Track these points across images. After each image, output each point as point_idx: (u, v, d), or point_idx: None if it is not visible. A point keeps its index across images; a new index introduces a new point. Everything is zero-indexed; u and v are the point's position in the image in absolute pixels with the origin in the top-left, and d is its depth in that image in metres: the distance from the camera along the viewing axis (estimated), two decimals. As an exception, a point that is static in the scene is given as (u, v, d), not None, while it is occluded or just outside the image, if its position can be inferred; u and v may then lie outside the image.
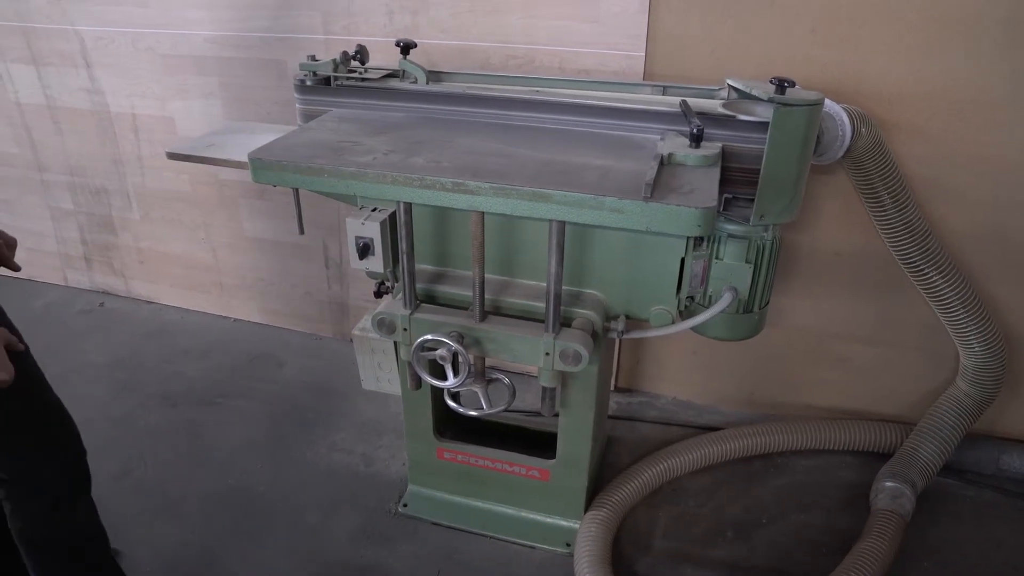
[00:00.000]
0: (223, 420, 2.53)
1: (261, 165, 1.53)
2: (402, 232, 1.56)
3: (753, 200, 1.58)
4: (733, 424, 2.44)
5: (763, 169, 1.54)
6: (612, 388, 2.61)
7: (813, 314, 2.34)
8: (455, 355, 1.63)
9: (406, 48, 1.88)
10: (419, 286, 1.71)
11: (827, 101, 1.75)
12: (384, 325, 1.69)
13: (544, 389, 1.71)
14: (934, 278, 2.03)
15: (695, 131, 1.50)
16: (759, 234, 1.65)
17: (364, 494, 2.20)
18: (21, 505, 1.50)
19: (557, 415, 1.87)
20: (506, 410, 1.78)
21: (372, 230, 1.64)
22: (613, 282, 1.67)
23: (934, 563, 1.97)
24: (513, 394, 1.78)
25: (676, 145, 1.53)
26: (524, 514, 2.07)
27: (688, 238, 1.57)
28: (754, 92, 1.62)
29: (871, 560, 1.81)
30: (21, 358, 1.39)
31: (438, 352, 1.64)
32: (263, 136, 1.80)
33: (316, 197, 1.94)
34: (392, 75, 1.96)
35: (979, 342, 2.09)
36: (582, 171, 1.45)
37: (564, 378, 1.79)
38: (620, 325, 1.68)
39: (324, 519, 2.11)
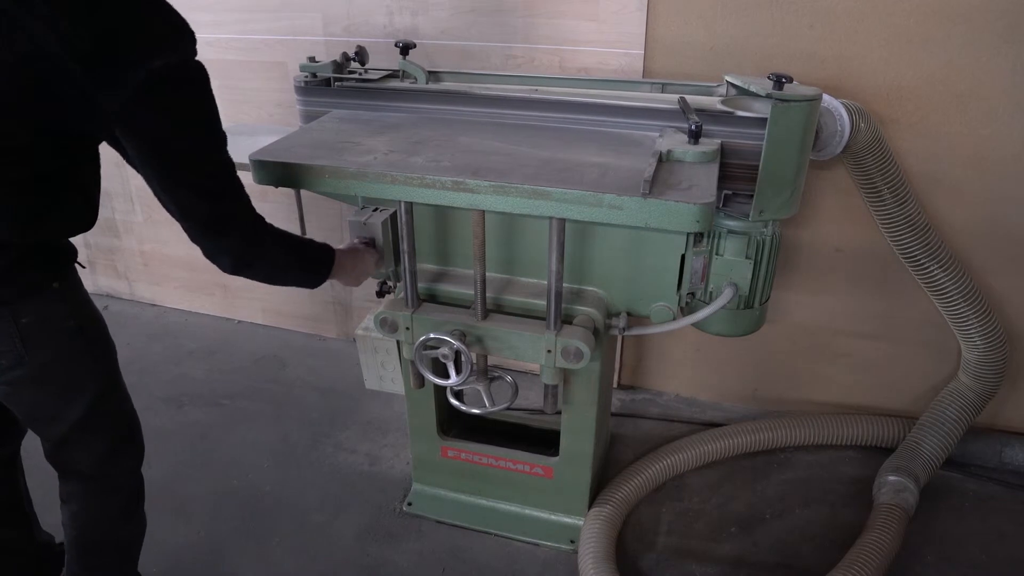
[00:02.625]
0: (228, 421, 2.54)
1: (262, 166, 1.54)
2: (403, 231, 1.57)
3: (752, 196, 1.59)
4: (736, 420, 2.44)
5: (762, 165, 1.54)
6: (615, 385, 2.62)
7: (814, 309, 2.34)
8: (457, 353, 1.64)
9: (406, 48, 1.89)
10: (421, 285, 1.72)
11: (825, 96, 1.76)
12: (386, 324, 1.70)
13: (546, 387, 1.72)
14: (935, 272, 2.03)
15: (693, 128, 1.50)
16: (759, 230, 1.66)
17: (369, 493, 2.20)
18: (92, 504, 1.54)
19: (560, 412, 1.88)
20: (509, 408, 1.79)
21: (374, 230, 1.65)
22: (614, 279, 1.68)
23: (937, 556, 1.97)
24: (516, 392, 1.79)
25: (675, 142, 1.54)
26: (528, 512, 2.07)
27: (688, 234, 1.57)
28: (752, 88, 1.62)
29: (875, 554, 1.81)
30: (107, 358, 1.45)
31: (440, 351, 1.65)
32: (264, 138, 1.81)
33: (318, 198, 1.95)
34: (392, 75, 1.97)
35: (980, 335, 2.10)
36: (582, 168, 1.46)
37: (566, 375, 1.80)
38: (621, 322, 1.68)
39: (330, 518, 2.12)
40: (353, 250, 1.61)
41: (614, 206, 1.34)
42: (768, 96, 1.50)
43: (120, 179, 2.98)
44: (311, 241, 1.52)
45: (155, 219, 3.02)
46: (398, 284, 1.80)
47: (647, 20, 2.05)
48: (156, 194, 1.26)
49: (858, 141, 1.84)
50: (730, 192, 1.65)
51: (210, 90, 1.22)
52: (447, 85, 1.92)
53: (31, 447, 1.51)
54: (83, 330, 1.37)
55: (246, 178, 1.58)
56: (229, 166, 1.30)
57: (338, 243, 2.76)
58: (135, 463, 1.59)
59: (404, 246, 1.59)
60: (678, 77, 1.98)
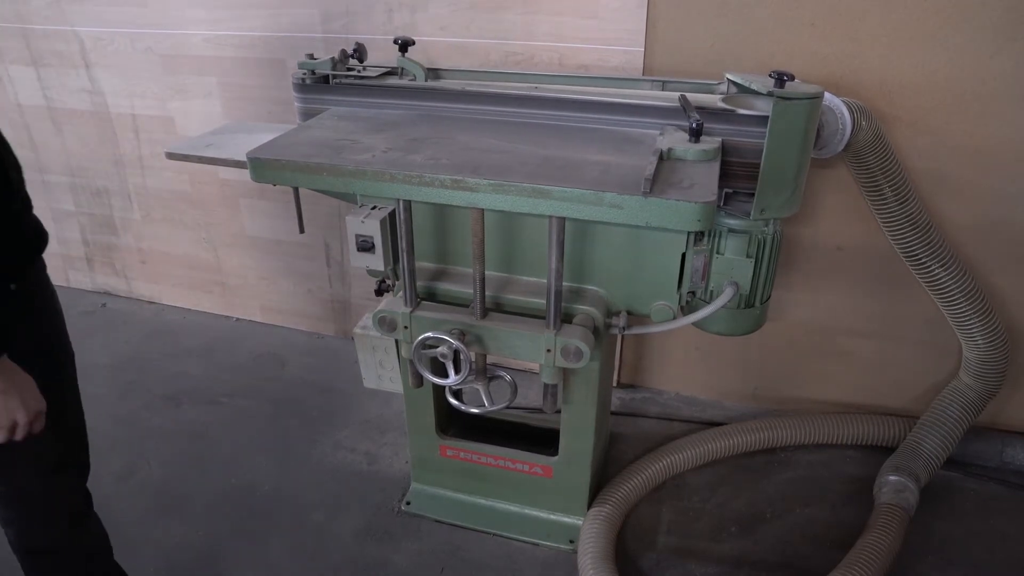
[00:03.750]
0: (227, 419, 2.53)
1: (260, 164, 1.53)
2: (402, 230, 1.56)
3: (753, 194, 1.58)
4: (736, 419, 2.44)
5: (763, 163, 1.53)
6: (614, 384, 2.61)
7: (815, 308, 2.34)
8: (456, 352, 1.63)
9: (404, 45, 1.88)
10: (420, 284, 1.71)
11: (827, 94, 1.75)
12: (385, 323, 1.69)
13: (546, 386, 1.71)
14: (937, 271, 2.02)
15: (694, 126, 1.49)
16: (760, 228, 1.65)
17: (368, 492, 2.20)
18: (34, 528, 1.44)
19: (559, 412, 1.87)
20: (508, 407, 1.78)
21: (372, 228, 1.63)
22: (614, 278, 1.67)
23: (938, 556, 1.96)
24: (515, 391, 1.78)
25: (675, 140, 1.53)
26: (527, 511, 2.07)
27: (688, 233, 1.56)
28: (753, 86, 1.61)
29: (875, 554, 1.80)
30: (61, 372, 1.35)
31: (439, 350, 1.64)
32: (262, 135, 1.80)
33: (316, 196, 1.94)
34: (391, 73, 1.96)
35: (982, 335, 2.09)
36: (582, 167, 1.45)
37: (566, 374, 1.79)
38: (621, 321, 1.67)
39: (328, 518, 2.11)
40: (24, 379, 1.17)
41: (614, 205, 1.33)
42: (769, 94, 1.48)
43: (118, 177, 2.97)
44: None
45: (153, 217, 3.01)
46: (396, 282, 1.79)
47: (647, 17, 2.04)
48: None
49: (860, 139, 1.83)
50: (731, 190, 1.65)
51: None
52: (446, 83, 1.91)
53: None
54: (39, 339, 1.25)
55: (246, 176, 1.56)
56: None
57: (337, 241, 2.77)
58: (78, 482, 1.49)
59: (403, 244, 1.58)
60: (679, 75, 1.96)
